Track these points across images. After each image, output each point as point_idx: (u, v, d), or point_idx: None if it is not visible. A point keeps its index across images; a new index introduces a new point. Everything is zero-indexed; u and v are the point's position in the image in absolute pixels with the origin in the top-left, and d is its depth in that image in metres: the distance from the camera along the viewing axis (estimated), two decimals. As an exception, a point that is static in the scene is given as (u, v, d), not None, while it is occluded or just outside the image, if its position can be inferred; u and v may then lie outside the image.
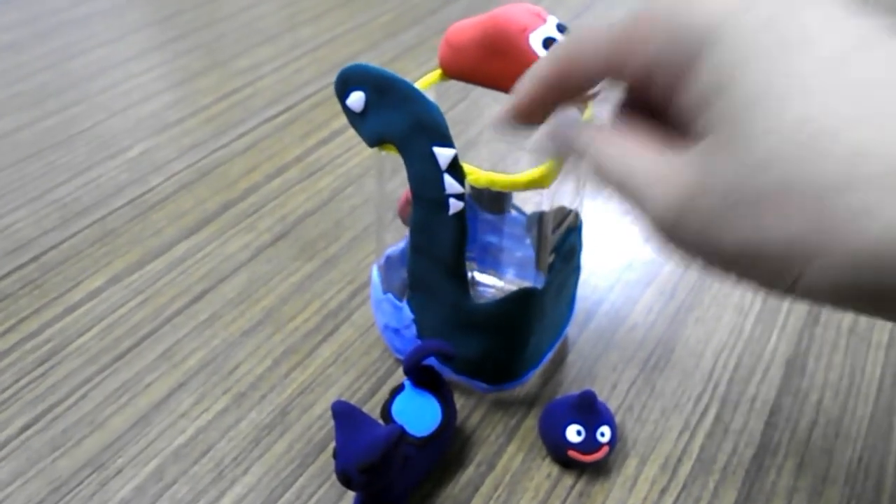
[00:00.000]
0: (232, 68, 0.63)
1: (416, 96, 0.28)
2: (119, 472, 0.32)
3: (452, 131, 0.53)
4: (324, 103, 0.58)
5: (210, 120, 0.56)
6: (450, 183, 0.28)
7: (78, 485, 0.31)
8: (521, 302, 0.31)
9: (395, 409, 0.31)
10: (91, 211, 0.46)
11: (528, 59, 0.29)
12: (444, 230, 0.30)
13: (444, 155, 0.28)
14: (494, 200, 0.35)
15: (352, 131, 0.54)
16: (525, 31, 0.29)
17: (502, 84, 0.31)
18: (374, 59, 0.64)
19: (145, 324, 0.38)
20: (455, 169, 0.28)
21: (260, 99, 0.58)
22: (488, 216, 0.35)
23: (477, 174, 0.28)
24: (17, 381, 0.35)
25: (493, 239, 0.36)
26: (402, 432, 0.29)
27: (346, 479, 0.28)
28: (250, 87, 0.60)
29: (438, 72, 0.33)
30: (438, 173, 0.28)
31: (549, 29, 0.29)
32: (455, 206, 0.29)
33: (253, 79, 0.61)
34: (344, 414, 0.29)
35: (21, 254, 0.43)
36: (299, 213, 0.46)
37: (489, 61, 0.30)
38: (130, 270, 0.42)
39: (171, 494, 0.31)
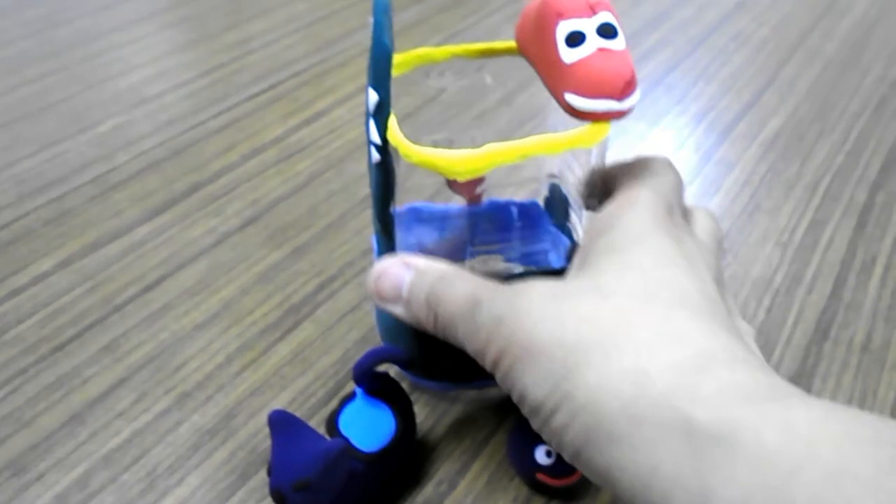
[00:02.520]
0: (220, 42, 0.60)
1: (374, 32, 0.25)
2: (41, 477, 0.29)
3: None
4: (311, 82, 0.55)
5: (190, 96, 0.52)
6: (371, 129, 0.26)
7: (-5, 489, 0.28)
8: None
9: (343, 420, 0.28)
10: (50, 188, 0.43)
11: (551, 48, 0.25)
12: (371, 178, 0.27)
13: (370, 98, 0.25)
14: None
15: (338, 112, 0.51)
16: (558, 18, 0.25)
17: (537, 68, 0.27)
18: (369, 38, 0.60)
19: (92, 312, 0.36)
20: (379, 117, 0.25)
21: (245, 75, 0.55)
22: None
23: (405, 146, 0.25)
24: (-55, 370, 0.33)
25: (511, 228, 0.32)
26: (347, 447, 0.26)
27: (280, 499, 0.25)
28: (237, 63, 0.57)
29: (418, 52, 0.29)
30: (367, 115, 0.26)
31: (586, 24, 0.24)
32: (374, 156, 0.26)
33: (240, 54, 0.58)
34: (281, 424, 0.26)
35: (-29, 231, 0.40)
36: (272, 197, 0.43)
37: (532, 40, 0.27)
38: (83, 253, 0.39)
39: (96, 504, 0.28)
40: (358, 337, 0.35)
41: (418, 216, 0.33)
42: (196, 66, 0.56)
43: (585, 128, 0.24)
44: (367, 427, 0.27)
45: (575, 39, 0.24)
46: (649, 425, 0.18)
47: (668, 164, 0.27)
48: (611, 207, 0.25)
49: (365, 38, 0.61)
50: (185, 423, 0.31)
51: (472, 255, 0.31)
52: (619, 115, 0.24)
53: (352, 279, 0.38)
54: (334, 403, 0.32)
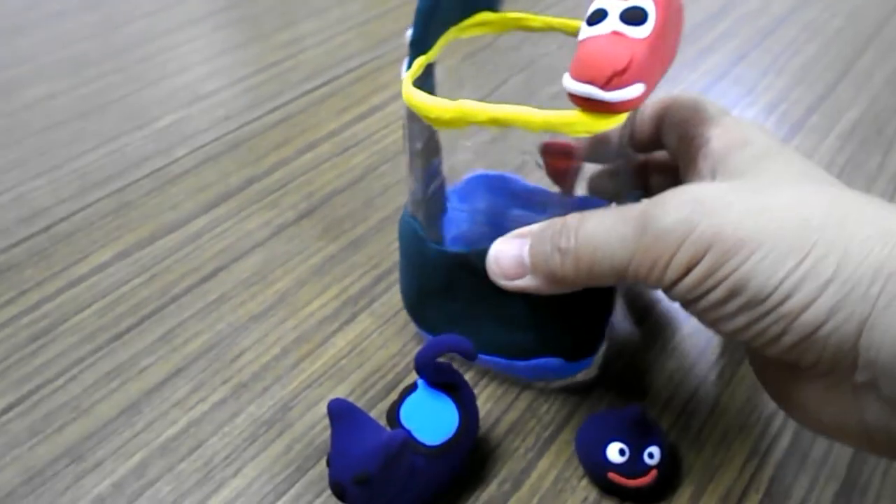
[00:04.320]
0: (274, 41, 0.60)
1: None
2: (98, 464, 0.28)
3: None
4: (365, 77, 0.54)
5: (245, 92, 0.52)
6: (403, 66, 0.26)
7: (53, 476, 0.28)
8: None
9: (405, 412, 0.26)
10: (110, 181, 0.43)
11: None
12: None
13: (407, 33, 0.26)
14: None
15: (392, 107, 0.50)
16: None
17: None
18: None
19: (149, 302, 0.35)
20: (411, 55, 0.26)
21: (300, 72, 0.55)
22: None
23: (405, 85, 0.25)
24: (6, 358, 0.33)
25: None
26: (408, 439, 0.24)
27: (340, 492, 0.24)
28: (291, 60, 0.57)
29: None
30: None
31: (613, 4, 0.23)
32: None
33: (295, 51, 0.58)
34: (342, 415, 0.25)
35: (34, 223, 0.40)
36: (327, 190, 0.43)
37: None
38: (141, 245, 0.39)
39: (152, 494, 0.27)
40: (416, 330, 0.34)
41: (488, 184, 0.32)
42: (251, 64, 0.56)
43: (574, 114, 0.23)
44: (429, 419, 0.26)
45: (595, 17, 0.23)
46: None
47: (702, 97, 0.29)
48: (720, 130, 0.26)
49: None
50: (241, 413, 0.30)
51: None
52: (604, 107, 0.22)
53: (409, 272, 0.37)
54: (393, 397, 0.30)
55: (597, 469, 0.27)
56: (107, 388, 0.31)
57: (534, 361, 0.29)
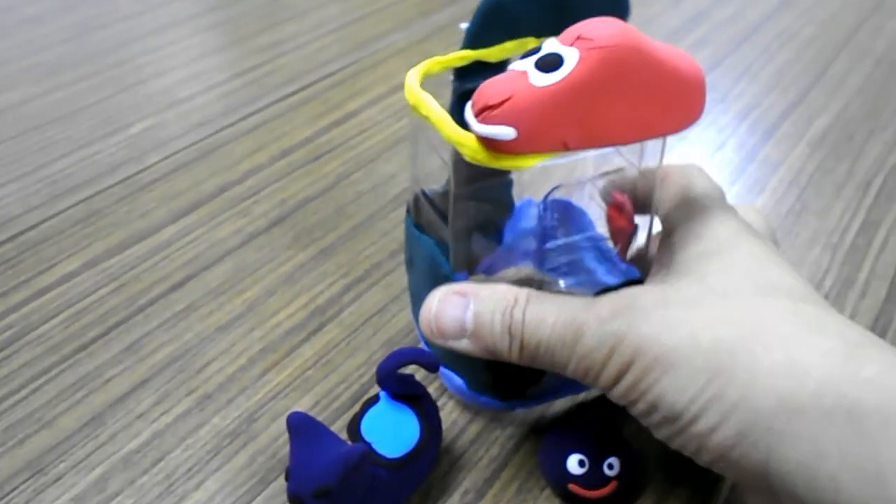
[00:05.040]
0: (253, 45, 0.59)
1: None
2: (59, 478, 0.28)
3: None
4: (343, 83, 0.54)
5: (221, 97, 0.52)
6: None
7: (11, 491, 0.28)
8: None
9: (366, 424, 0.26)
10: (80, 189, 0.43)
11: None
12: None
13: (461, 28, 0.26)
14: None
15: (368, 113, 0.50)
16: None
17: None
18: (403, 39, 0.60)
19: (116, 312, 0.35)
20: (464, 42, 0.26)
21: (277, 77, 0.55)
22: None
23: (409, 79, 0.25)
24: (-31, 369, 0.32)
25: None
26: (368, 451, 0.24)
27: (299, 506, 0.24)
28: (269, 65, 0.56)
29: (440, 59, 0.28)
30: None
31: (552, 44, 0.23)
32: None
33: (272, 56, 0.58)
34: (301, 427, 0.25)
35: (1, 231, 0.40)
36: (300, 198, 0.42)
37: None
38: (110, 254, 0.38)
39: (113, 508, 0.27)
40: (384, 339, 0.34)
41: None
42: (228, 69, 0.56)
43: (470, 136, 0.22)
44: (391, 432, 0.26)
45: (549, 63, 0.22)
46: (812, 415, 0.19)
47: (703, 172, 0.28)
48: (685, 220, 0.26)
49: (398, 39, 0.60)
50: (205, 425, 0.30)
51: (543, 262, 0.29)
52: (482, 140, 0.22)
53: (379, 281, 0.37)
54: (358, 408, 0.30)
55: (557, 480, 0.27)
56: (71, 400, 0.31)
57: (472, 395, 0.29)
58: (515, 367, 0.28)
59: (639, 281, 0.27)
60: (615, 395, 0.23)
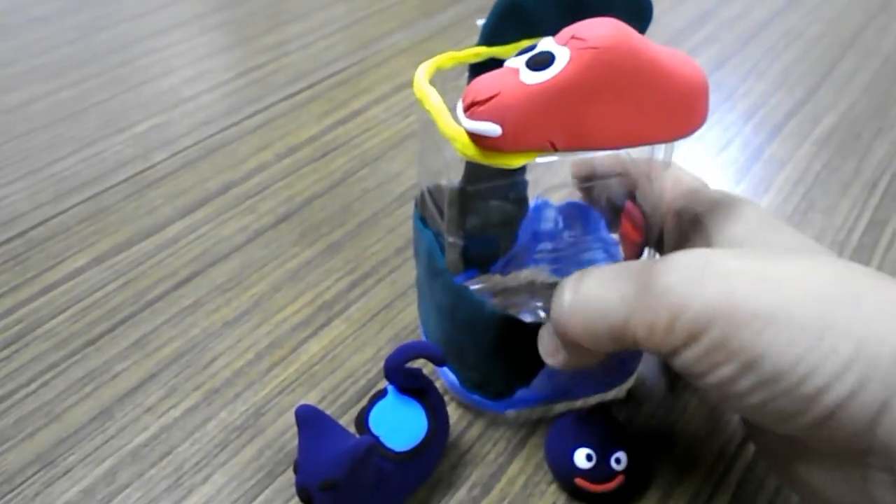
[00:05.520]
0: (258, 44, 0.60)
1: None
2: (68, 471, 0.28)
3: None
4: (348, 81, 0.54)
5: (227, 96, 0.52)
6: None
7: (22, 483, 0.28)
8: None
9: (373, 418, 0.27)
10: (87, 186, 0.43)
11: None
12: None
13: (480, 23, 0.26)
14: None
15: (374, 111, 0.50)
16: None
17: None
18: (407, 38, 0.60)
19: (123, 308, 0.35)
20: (479, 38, 0.26)
21: (282, 75, 0.55)
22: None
23: (419, 77, 0.24)
24: (-22, 363, 0.32)
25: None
26: (375, 444, 0.25)
27: (307, 498, 0.24)
28: (274, 64, 0.57)
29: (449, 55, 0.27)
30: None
31: (546, 43, 0.22)
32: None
33: (278, 55, 0.58)
34: (309, 421, 0.25)
35: (10, 228, 0.40)
36: (306, 195, 0.43)
37: None
38: (117, 250, 0.39)
39: (121, 500, 0.27)
40: (391, 335, 0.34)
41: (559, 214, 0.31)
42: (234, 68, 0.56)
43: (462, 131, 0.22)
44: (398, 425, 0.26)
45: (540, 62, 0.22)
46: None
47: (679, 168, 0.28)
48: (708, 206, 0.25)
49: (402, 38, 0.60)
50: (213, 419, 0.30)
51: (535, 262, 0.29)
52: (471, 136, 0.22)
53: (385, 277, 0.37)
54: (364, 403, 0.31)
55: (564, 474, 0.27)
56: (79, 394, 0.31)
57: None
58: (505, 364, 0.28)
59: None
60: (690, 356, 0.20)
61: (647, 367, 0.32)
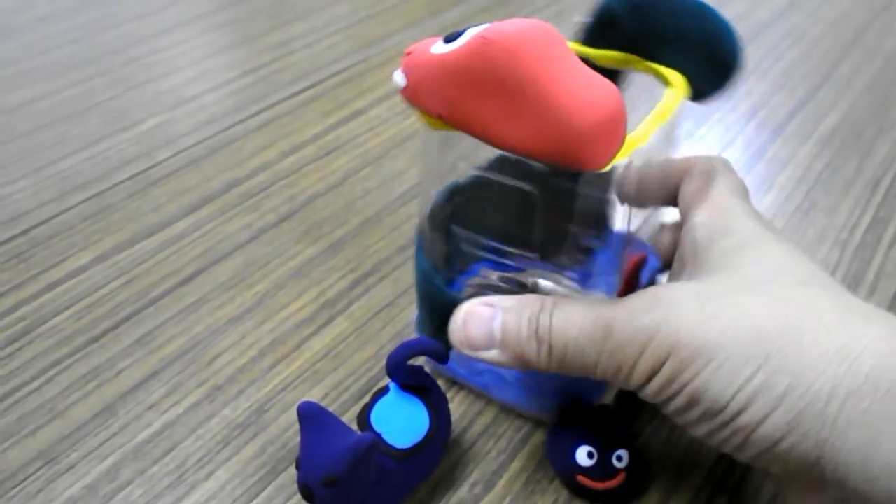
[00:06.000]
0: (262, 44, 0.60)
1: None
2: (71, 467, 0.28)
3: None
4: (352, 80, 0.54)
5: (230, 95, 0.53)
6: None
7: (25, 479, 0.28)
8: None
9: (375, 415, 0.27)
10: (92, 185, 0.43)
11: None
12: None
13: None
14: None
15: (376, 110, 0.51)
16: None
17: None
18: (412, 38, 0.60)
19: (127, 305, 0.35)
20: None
21: (286, 74, 0.55)
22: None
23: None
24: (-18, 360, 0.33)
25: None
26: (377, 441, 0.25)
27: (308, 494, 0.24)
28: (278, 63, 0.57)
29: None
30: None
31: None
32: None
33: (282, 54, 0.58)
34: (311, 417, 0.25)
35: (13, 226, 0.40)
36: (309, 193, 0.43)
37: None
38: (121, 248, 0.39)
39: (124, 497, 0.27)
40: (393, 333, 0.34)
41: None
42: (237, 67, 0.56)
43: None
44: (400, 422, 0.26)
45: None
46: (867, 400, 0.18)
47: (728, 165, 0.28)
48: (708, 216, 0.25)
49: (407, 38, 0.60)
50: (215, 416, 0.30)
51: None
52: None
53: (387, 275, 0.37)
54: (367, 400, 0.31)
55: (566, 472, 0.27)
56: (82, 391, 0.31)
57: None
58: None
59: None
60: (649, 392, 0.22)
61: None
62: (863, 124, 0.48)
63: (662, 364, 0.21)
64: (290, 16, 0.64)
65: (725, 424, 0.21)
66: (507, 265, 0.28)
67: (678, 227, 0.29)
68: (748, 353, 0.20)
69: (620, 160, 0.22)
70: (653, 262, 0.30)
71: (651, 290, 0.23)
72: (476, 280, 0.30)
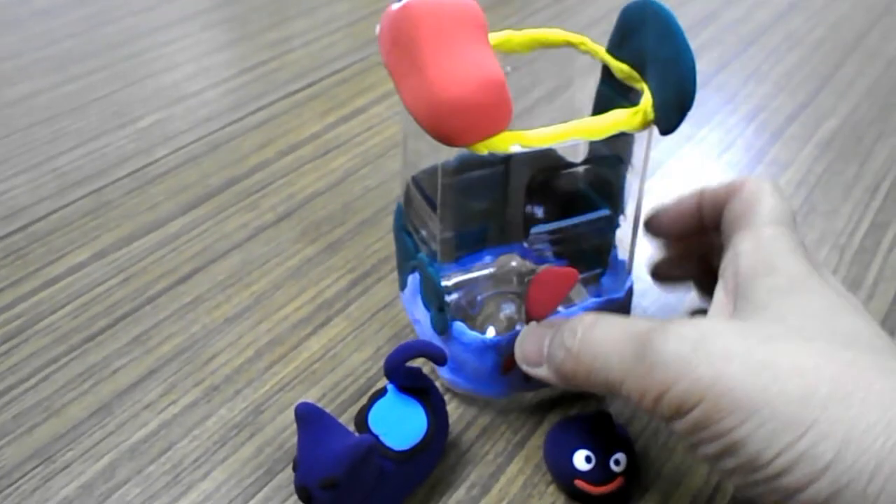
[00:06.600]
0: (261, 41, 0.60)
1: None
2: (67, 466, 0.28)
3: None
4: (351, 79, 0.54)
5: (230, 92, 0.52)
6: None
7: (20, 478, 0.28)
8: None
9: (373, 416, 0.27)
10: (90, 181, 0.43)
11: None
12: None
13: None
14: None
15: (376, 109, 0.50)
16: None
17: None
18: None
19: (124, 303, 0.35)
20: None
21: (285, 73, 0.55)
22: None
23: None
24: (-22, 357, 0.32)
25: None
26: (375, 443, 0.25)
27: (306, 496, 0.24)
28: (277, 61, 0.57)
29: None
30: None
31: None
32: None
33: (281, 52, 0.58)
34: (309, 418, 0.25)
35: (11, 222, 0.40)
36: (308, 192, 0.43)
37: None
38: (119, 245, 0.39)
39: (120, 497, 0.27)
40: (391, 334, 0.34)
41: None
42: (237, 65, 0.56)
43: None
44: (398, 424, 0.26)
45: None
46: None
47: (777, 189, 0.26)
48: (753, 246, 0.24)
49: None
50: (212, 416, 0.30)
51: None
52: None
53: (386, 276, 0.37)
54: (364, 401, 0.31)
55: (564, 476, 0.27)
56: (78, 390, 0.31)
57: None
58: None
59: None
60: (678, 428, 0.21)
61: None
62: (863, 128, 0.48)
63: (696, 403, 0.20)
64: (289, 14, 0.64)
65: (765, 481, 0.20)
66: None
67: (695, 198, 0.29)
68: (795, 414, 0.19)
69: (497, 148, 0.23)
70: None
71: (694, 320, 0.22)
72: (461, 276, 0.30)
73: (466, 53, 0.22)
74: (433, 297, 0.29)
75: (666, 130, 0.25)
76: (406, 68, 0.23)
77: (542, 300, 0.27)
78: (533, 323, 0.27)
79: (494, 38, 0.28)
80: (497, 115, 0.23)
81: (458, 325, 0.28)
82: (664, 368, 0.21)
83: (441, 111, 0.22)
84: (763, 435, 0.19)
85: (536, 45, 0.29)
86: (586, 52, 0.28)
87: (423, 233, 0.29)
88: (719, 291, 0.25)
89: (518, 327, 0.28)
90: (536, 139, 0.24)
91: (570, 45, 0.29)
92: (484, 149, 0.23)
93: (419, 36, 0.22)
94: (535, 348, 0.26)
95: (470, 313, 0.31)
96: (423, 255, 0.29)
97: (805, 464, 0.19)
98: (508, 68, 0.27)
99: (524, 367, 0.27)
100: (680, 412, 0.21)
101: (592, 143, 0.28)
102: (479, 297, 0.32)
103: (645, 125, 0.25)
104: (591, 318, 0.24)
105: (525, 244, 0.29)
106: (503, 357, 0.28)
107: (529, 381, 0.28)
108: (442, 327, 0.29)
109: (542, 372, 0.26)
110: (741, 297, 0.23)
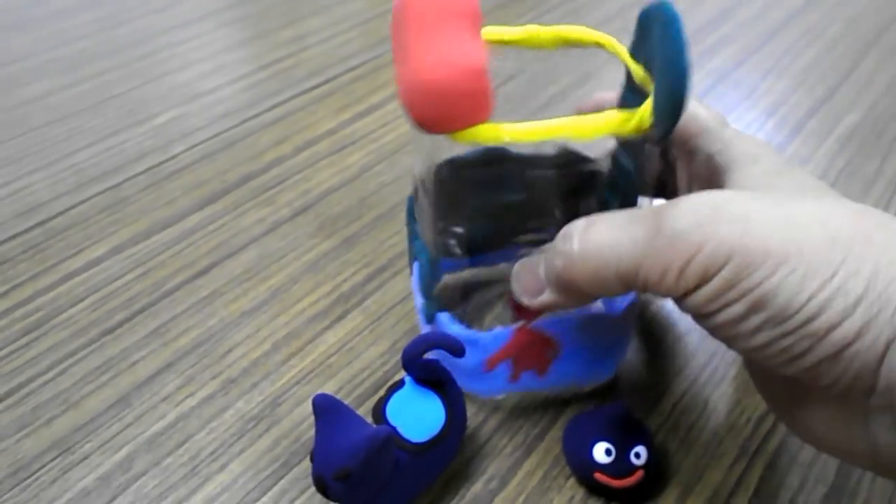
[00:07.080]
0: (276, 39, 0.60)
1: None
2: (85, 458, 0.28)
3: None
4: (366, 76, 0.54)
5: (245, 90, 0.52)
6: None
7: (40, 468, 0.28)
8: None
9: (391, 408, 0.26)
10: (107, 177, 0.43)
11: None
12: None
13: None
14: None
15: (391, 106, 0.50)
16: None
17: None
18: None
19: (142, 297, 0.35)
20: None
21: (301, 70, 0.55)
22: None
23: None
24: (-3, 350, 0.33)
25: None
26: (392, 435, 0.24)
27: (322, 487, 0.24)
28: (292, 58, 0.57)
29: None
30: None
31: None
32: None
33: (296, 50, 0.58)
34: (327, 410, 0.25)
35: (29, 217, 0.40)
36: (324, 188, 0.43)
37: None
38: (136, 240, 0.39)
39: (137, 488, 0.27)
40: (407, 328, 0.34)
41: None
42: (252, 62, 0.56)
43: None
44: (416, 416, 0.26)
45: None
46: None
47: (697, 99, 0.27)
48: (725, 146, 0.25)
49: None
50: (229, 409, 0.30)
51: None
52: None
53: (402, 270, 0.37)
54: (381, 394, 0.30)
55: (583, 469, 0.26)
56: (97, 382, 0.31)
57: None
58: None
59: None
60: (699, 298, 0.20)
61: (658, 362, 0.32)
62: (883, 123, 0.48)
63: (722, 265, 0.20)
64: (304, 12, 0.64)
65: (793, 331, 0.19)
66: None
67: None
68: (823, 257, 0.19)
69: (478, 139, 0.22)
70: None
71: (700, 193, 0.22)
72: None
73: (450, 41, 0.22)
74: (424, 285, 0.29)
75: (658, 139, 0.23)
76: (399, 56, 0.23)
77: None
78: (524, 258, 0.26)
79: (517, 31, 0.28)
80: (475, 104, 0.22)
81: (443, 316, 0.28)
82: (686, 237, 0.20)
83: (417, 96, 0.22)
84: (794, 281, 0.19)
85: (562, 42, 0.29)
86: (613, 55, 0.28)
87: (422, 223, 0.29)
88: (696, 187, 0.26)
89: (499, 328, 0.28)
90: (519, 133, 0.23)
91: (598, 45, 0.28)
92: (463, 139, 0.22)
93: (407, 23, 0.23)
94: (531, 276, 0.25)
95: (464, 309, 0.31)
96: (419, 242, 0.29)
97: (838, 301, 0.19)
98: (509, 62, 0.27)
99: (525, 301, 0.25)
100: (706, 277, 0.20)
101: (616, 149, 0.28)
102: (474, 295, 0.32)
103: (639, 131, 0.23)
104: (582, 221, 0.23)
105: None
106: (486, 354, 0.28)
107: (515, 381, 0.28)
108: (429, 316, 0.29)
109: (544, 297, 0.24)
110: (729, 187, 0.24)
